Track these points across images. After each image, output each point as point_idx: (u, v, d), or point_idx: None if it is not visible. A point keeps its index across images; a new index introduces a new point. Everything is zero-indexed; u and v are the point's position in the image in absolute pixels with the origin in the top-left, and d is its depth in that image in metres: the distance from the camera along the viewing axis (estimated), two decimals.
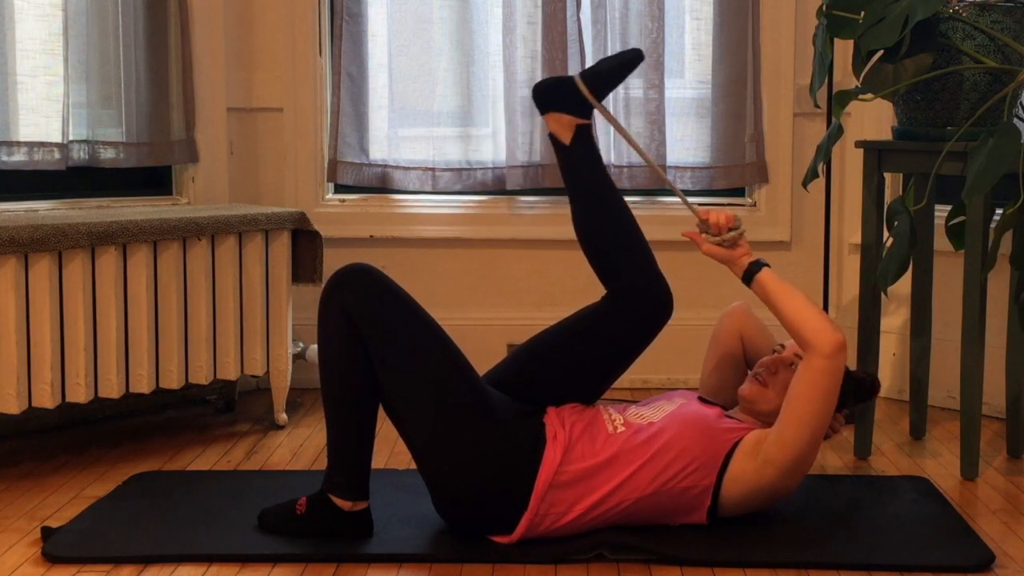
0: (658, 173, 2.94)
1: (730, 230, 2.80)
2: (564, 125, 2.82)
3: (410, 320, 2.69)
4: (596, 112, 2.85)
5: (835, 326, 2.69)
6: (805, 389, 2.66)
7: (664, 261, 2.86)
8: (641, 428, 2.70)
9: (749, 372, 3.01)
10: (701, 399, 2.89)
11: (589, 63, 4.06)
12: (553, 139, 2.84)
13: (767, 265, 2.79)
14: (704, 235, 2.83)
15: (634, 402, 2.86)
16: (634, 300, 2.78)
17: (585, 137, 2.83)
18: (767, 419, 2.79)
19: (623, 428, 2.70)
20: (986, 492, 3.08)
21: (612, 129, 4.09)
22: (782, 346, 2.87)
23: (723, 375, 3.01)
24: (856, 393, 2.88)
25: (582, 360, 2.80)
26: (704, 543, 2.63)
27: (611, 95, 4.09)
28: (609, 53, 4.05)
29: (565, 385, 2.80)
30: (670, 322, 2.82)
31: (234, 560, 2.60)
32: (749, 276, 2.79)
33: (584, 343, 2.79)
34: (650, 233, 2.86)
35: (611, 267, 2.80)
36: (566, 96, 2.81)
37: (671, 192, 4.12)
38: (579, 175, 2.84)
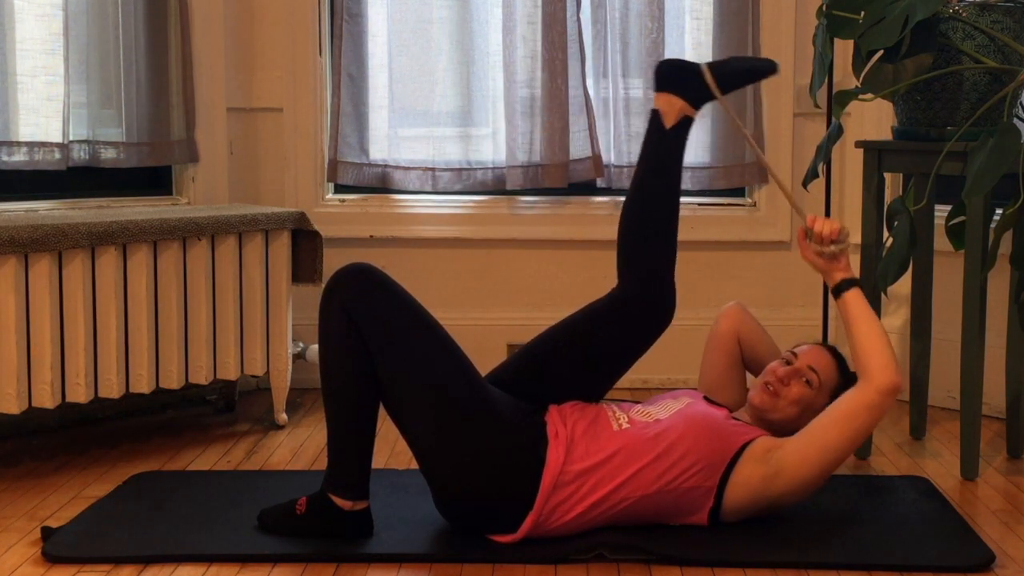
0: (773, 175, 2.93)
1: (833, 243, 2.80)
2: (674, 109, 2.82)
3: (411, 320, 2.69)
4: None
5: (899, 368, 2.70)
6: (842, 416, 2.68)
7: None
8: (647, 425, 2.69)
9: (748, 373, 3.01)
10: (707, 399, 2.89)
11: (589, 63, 4.05)
12: (655, 118, 2.83)
13: (859, 285, 2.80)
14: (808, 241, 2.84)
15: (637, 402, 2.86)
16: (640, 303, 2.78)
17: (684, 129, 2.84)
18: (777, 427, 2.79)
19: (628, 425, 2.70)
20: (986, 492, 3.08)
21: (612, 128, 4.11)
22: (794, 355, 2.86)
23: (721, 376, 3.01)
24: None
25: (583, 361, 2.80)
26: (704, 543, 2.63)
27: (610, 94, 4.10)
28: (609, 53, 4.06)
29: (567, 384, 2.80)
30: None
31: (234, 560, 2.60)
32: (837, 291, 2.80)
33: (585, 344, 2.79)
34: None
35: (638, 261, 2.79)
36: (688, 82, 2.81)
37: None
38: (660, 161, 2.83)
